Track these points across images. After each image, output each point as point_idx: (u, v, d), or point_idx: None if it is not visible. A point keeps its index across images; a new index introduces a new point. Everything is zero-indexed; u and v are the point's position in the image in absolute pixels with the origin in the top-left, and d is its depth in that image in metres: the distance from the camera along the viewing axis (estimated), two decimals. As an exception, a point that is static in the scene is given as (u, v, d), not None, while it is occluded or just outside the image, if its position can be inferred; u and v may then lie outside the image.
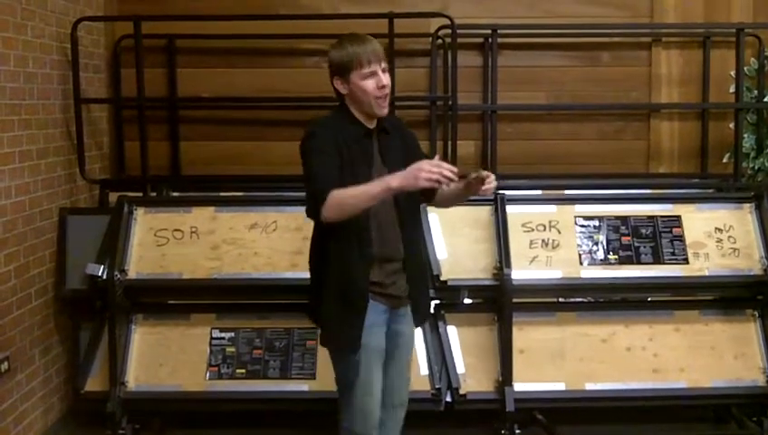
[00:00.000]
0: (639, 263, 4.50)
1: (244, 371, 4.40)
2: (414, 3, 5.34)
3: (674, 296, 4.66)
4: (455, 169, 2.81)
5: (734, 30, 5.20)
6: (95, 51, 5.25)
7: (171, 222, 4.56)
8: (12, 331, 4.14)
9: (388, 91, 3.09)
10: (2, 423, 4.03)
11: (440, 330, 4.44)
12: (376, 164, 3.11)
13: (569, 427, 4.38)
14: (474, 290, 4.46)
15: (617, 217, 4.61)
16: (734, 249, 4.53)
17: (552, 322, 4.51)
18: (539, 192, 5.09)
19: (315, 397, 4.33)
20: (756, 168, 5.31)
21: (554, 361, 4.42)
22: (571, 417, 4.42)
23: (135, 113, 5.18)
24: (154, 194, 5.09)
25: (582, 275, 4.47)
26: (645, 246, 4.53)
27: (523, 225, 4.56)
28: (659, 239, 4.54)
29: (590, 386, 4.38)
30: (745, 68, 5.26)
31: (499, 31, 5.18)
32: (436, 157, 2.91)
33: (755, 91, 5.31)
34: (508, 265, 4.33)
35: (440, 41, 5.31)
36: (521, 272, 4.39)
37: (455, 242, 4.52)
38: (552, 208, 4.62)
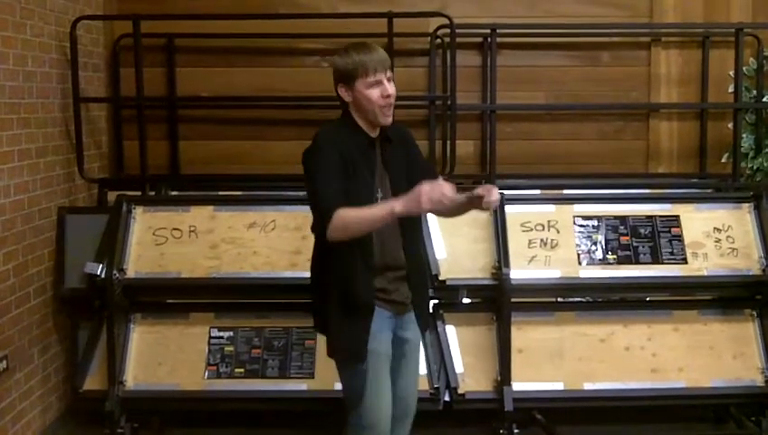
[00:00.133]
0: (638, 263, 4.50)
1: (242, 370, 4.40)
2: (413, 2, 5.33)
3: (672, 296, 4.66)
4: (455, 195, 2.79)
5: (733, 30, 5.20)
6: (94, 50, 5.25)
7: (170, 221, 4.56)
8: (10, 329, 4.13)
9: (393, 100, 3.08)
10: (0, 422, 4.03)
11: (439, 329, 4.44)
12: (378, 174, 3.10)
13: (567, 427, 4.38)
14: (472, 290, 4.46)
15: (615, 217, 4.61)
16: (733, 249, 4.53)
17: (550, 321, 4.51)
18: (538, 192, 5.09)
19: (314, 396, 4.33)
20: (755, 168, 5.31)
21: (553, 360, 4.42)
22: (569, 417, 4.43)
23: (134, 112, 5.18)
24: (153, 193, 5.08)
25: (581, 275, 4.47)
26: (643, 246, 4.53)
27: (522, 224, 4.56)
28: (658, 239, 4.54)
29: (588, 386, 4.38)
30: (744, 68, 5.27)
31: (498, 30, 5.18)
32: (439, 178, 2.88)
33: (754, 91, 5.31)
34: (507, 265, 4.34)
35: (439, 40, 5.31)
36: (519, 272, 4.39)
37: (453, 242, 4.52)
38: (550, 208, 4.62)
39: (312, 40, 5.45)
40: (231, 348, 4.44)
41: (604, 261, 4.51)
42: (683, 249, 4.53)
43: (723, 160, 5.48)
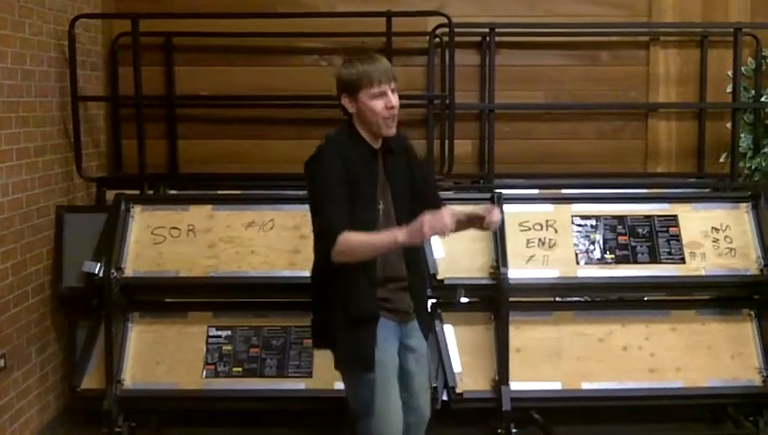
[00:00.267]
0: (636, 262, 4.50)
1: (240, 369, 4.40)
2: (411, 1, 5.33)
3: (670, 296, 4.66)
4: (455, 219, 2.85)
5: (731, 30, 5.21)
6: (93, 48, 5.25)
7: (168, 220, 4.55)
8: (8, 328, 4.13)
9: (396, 111, 3.08)
10: (-2, 421, 4.05)
11: (437, 329, 4.43)
12: (380, 185, 3.11)
13: (565, 426, 4.38)
14: (470, 289, 4.46)
15: (614, 217, 4.61)
16: (731, 249, 4.53)
17: (548, 321, 4.51)
18: (536, 191, 5.09)
19: (312, 395, 4.33)
20: (753, 167, 5.31)
21: (551, 360, 4.42)
22: (567, 416, 4.43)
23: (132, 111, 5.19)
24: (151, 192, 5.08)
25: (579, 275, 4.47)
26: (642, 246, 4.53)
27: (520, 224, 4.56)
28: (656, 239, 4.55)
29: (586, 385, 4.38)
30: (743, 68, 5.27)
31: (497, 30, 5.19)
32: (443, 209, 2.90)
33: (752, 91, 5.30)
34: (505, 265, 4.34)
35: (438, 39, 5.31)
36: (517, 271, 4.40)
37: (451, 241, 4.48)
38: (548, 208, 4.63)
39: (310, 39, 5.45)
40: (229, 347, 4.44)
41: (602, 261, 4.51)
42: (681, 249, 4.53)
43: (721, 160, 5.48)
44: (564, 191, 5.03)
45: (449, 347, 4.42)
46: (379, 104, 3.04)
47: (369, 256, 2.98)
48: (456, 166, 5.09)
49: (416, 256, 3.24)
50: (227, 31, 5.32)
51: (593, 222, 4.59)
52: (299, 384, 4.36)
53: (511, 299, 4.35)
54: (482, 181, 5.32)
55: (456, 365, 4.40)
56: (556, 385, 4.38)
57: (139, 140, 5.10)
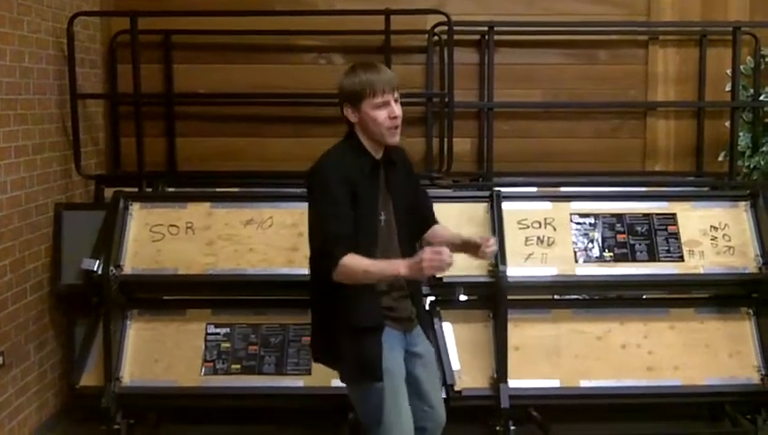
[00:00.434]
0: (635, 260, 4.50)
1: (239, 366, 4.40)
2: (410, -1, 5.34)
3: (669, 294, 4.66)
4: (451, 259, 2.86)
5: (730, 28, 5.21)
6: (91, 46, 5.24)
7: (167, 218, 4.55)
8: (7, 326, 4.13)
9: (399, 121, 3.07)
10: (-4, 418, 4.05)
11: (435, 327, 4.43)
12: (382, 197, 3.11)
13: (563, 424, 4.39)
14: (469, 287, 4.46)
15: (612, 215, 4.61)
16: (729, 247, 4.53)
17: (547, 319, 4.51)
18: (534, 190, 5.10)
19: (310, 393, 4.33)
20: (751, 166, 5.31)
21: (549, 358, 4.42)
22: (565, 414, 4.43)
23: (131, 109, 5.19)
24: (150, 190, 5.08)
25: (578, 273, 4.48)
26: (640, 244, 4.53)
27: (519, 222, 4.56)
28: (655, 237, 4.55)
29: (584, 383, 4.38)
30: (741, 66, 5.28)
31: (496, 28, 5.19)
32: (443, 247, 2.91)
33: (751, 90, 5.31)
34: (503, 262, 4.34)
35: (437, 38, 5.32)
36: (516, 269, 4.40)
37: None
38: (547, 206, 4.63)
39: (309, 37, 5.45)
40: (228, 344, 4.44)
41: (601, 259, 4.51)
42: (679, 247, 4.53)
43: (720, 159, 5.49)
44: (563, 189, 5.04)
45: (448, 345, 4.42)
46: (381, 114, 3.02)
47: (370, 282, 2.99)
48: (455, 164, 5.09)
49: None
50: (226, 29, 5.32)
51: (592, 220, 4.59)
52: (297, 382, 4.36)
53: (509, 297, 4.35)
54: (481, 179, 5.32)
55: (455, 363, 4.40)
56: (554, 383, 4.38)
57: (137, 138, 5.10)
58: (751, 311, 4.53)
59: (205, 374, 4.39)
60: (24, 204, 4.33)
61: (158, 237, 4.51)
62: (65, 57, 4.79)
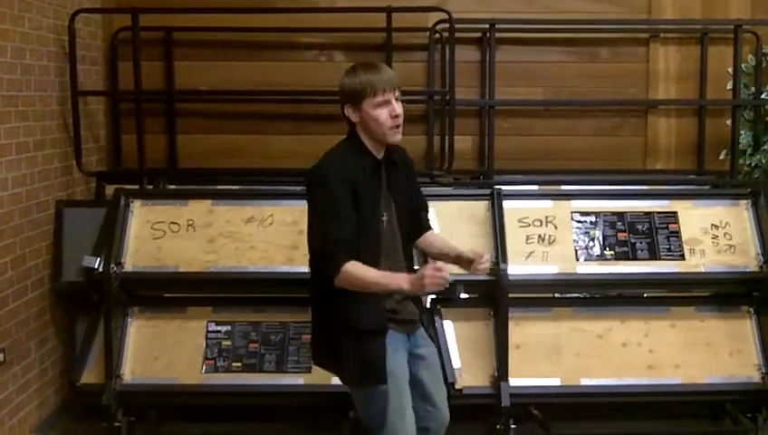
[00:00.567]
0: (635, 259, 4.50)
1: (239, 364, 4.40)
2: (412, -3, 5.34)
3: (670, 292, 4.66)
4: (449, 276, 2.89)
5: (731, 26, 5.21)
6: (92, 43, 5.24)
7: (168, 215, 4.55)
8: (7, 323, 4.13)
9: (401, 120, 3.06)
10: (-3, 415, 4.05)
11: (436, 325, 4.43)
12: (384, 197, 3.11)
13: (564, 422, 4.38)
14: (470, 285, 4.43)
15: (613, 213, 4.60)
16: (730, 246, 4.53)
17: (547, 317, 4.51)
18: (535, 188, 5.10)
19: (311, 391, 4.33)
20: (753, 164, 5.31)
21: (550, 356, 4.42)
22: (566, 412, 4.42)
23: (132, 106, 5.19)
24: (151, 187, 5.08)
25: (578, 271, 4.47)
26: (641, 242, 4.53)
27: (520, 220, 4.56)
28: (655, 235, 4.55)
29: (585, 381, 4.38)
30: (743, 65, 5.27)
31: (497, 26, 5.19)
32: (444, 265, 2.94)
33: (752, 88, 5.31)
34: (504, 261, 4.34)
35: (438, 35, 5.31)
36: (517, 267, 4.39)
37: (451, 237, 4.48)
38: (548, 204, 4.62)
39: (310, 34, 5.44)
40: (228, 342, 4.44)
41: (602, 257, 4.51)
42: (680, 246, 4.53)
43: (721, 157, 5.49)
44: (564, 187, 5.04)
45: (448, 343, 4.42)
46: (383, 113, 3.02)
47: (370, 291, 2.98)
48: (456, 162, 5.09)
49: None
50: (227, 26, 5.32)
51: (593, 218, 4.59)
52: (298, 380, 4.36)
53: (510, 295, 4.34)
54: (481, 177, 5.32)
55: (456, 361, 4.39)
56: (555, 381, 4.38)
57: (138, 135, 5.10)
58: (752, 309, 4.52)
59: (205, 372, 4.39)
60: (24, 201, 4.33)
61: (159, 235, 4.50)
62: (66, 54, 4.78)
